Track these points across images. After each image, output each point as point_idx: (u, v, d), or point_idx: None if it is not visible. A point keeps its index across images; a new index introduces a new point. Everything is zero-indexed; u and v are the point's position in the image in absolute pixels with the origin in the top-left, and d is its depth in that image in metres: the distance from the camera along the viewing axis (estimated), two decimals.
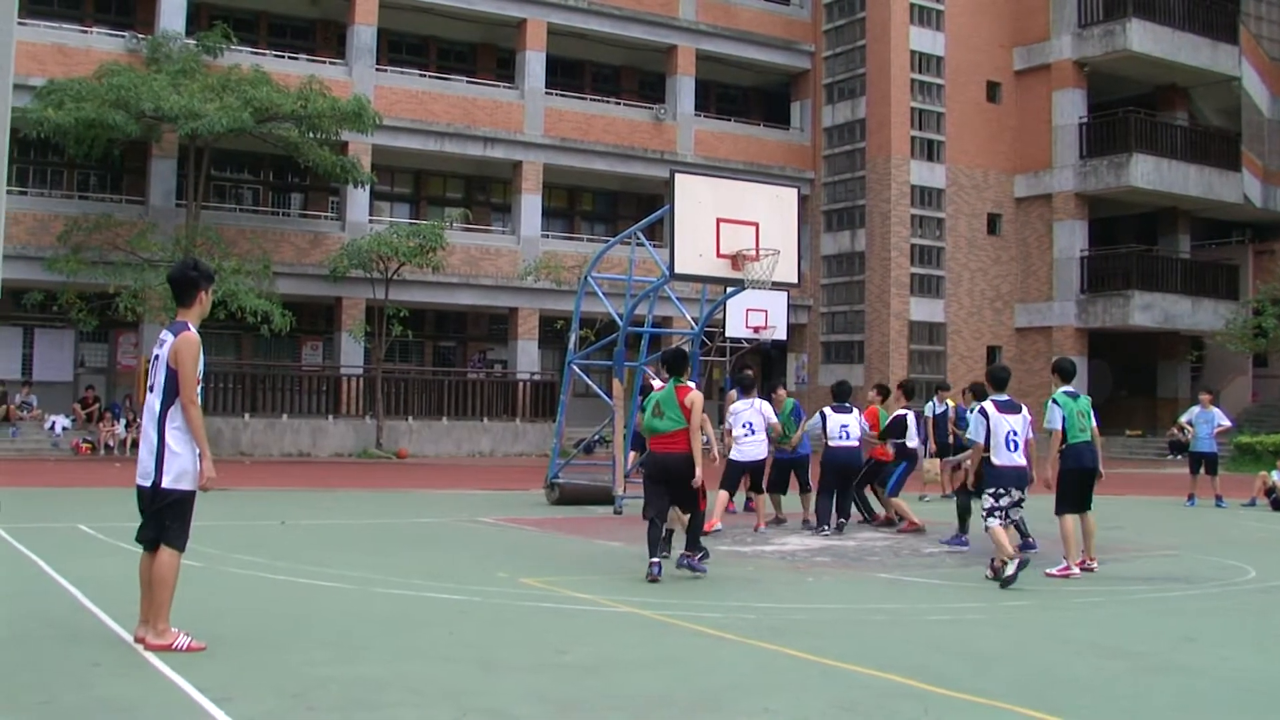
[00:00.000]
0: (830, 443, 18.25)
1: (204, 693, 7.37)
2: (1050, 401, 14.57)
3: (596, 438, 28.58)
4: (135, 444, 33.72)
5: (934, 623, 10.94)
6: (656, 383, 15.71)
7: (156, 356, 8.78)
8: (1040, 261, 47.11)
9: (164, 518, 8.67)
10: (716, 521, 18.03)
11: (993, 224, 47.35)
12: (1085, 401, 14.86)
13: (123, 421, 34.41)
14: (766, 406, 18.36)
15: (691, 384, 13.32)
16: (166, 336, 8.78)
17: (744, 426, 17.80)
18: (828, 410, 18.62)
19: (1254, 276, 48.68)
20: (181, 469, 8.64)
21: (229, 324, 35.54)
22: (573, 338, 24.07)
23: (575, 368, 23.73)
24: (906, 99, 45.09)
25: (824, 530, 18.04)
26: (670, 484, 12.96)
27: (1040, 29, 47.04)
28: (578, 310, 24.18)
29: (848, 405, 18.70)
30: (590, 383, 25.05)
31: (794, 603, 11.89)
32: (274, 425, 36.32)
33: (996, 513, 13.63)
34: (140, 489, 8.74)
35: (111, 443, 34.02)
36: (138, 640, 8.71)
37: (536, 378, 41.89)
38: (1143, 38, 45.08)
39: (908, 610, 11.59)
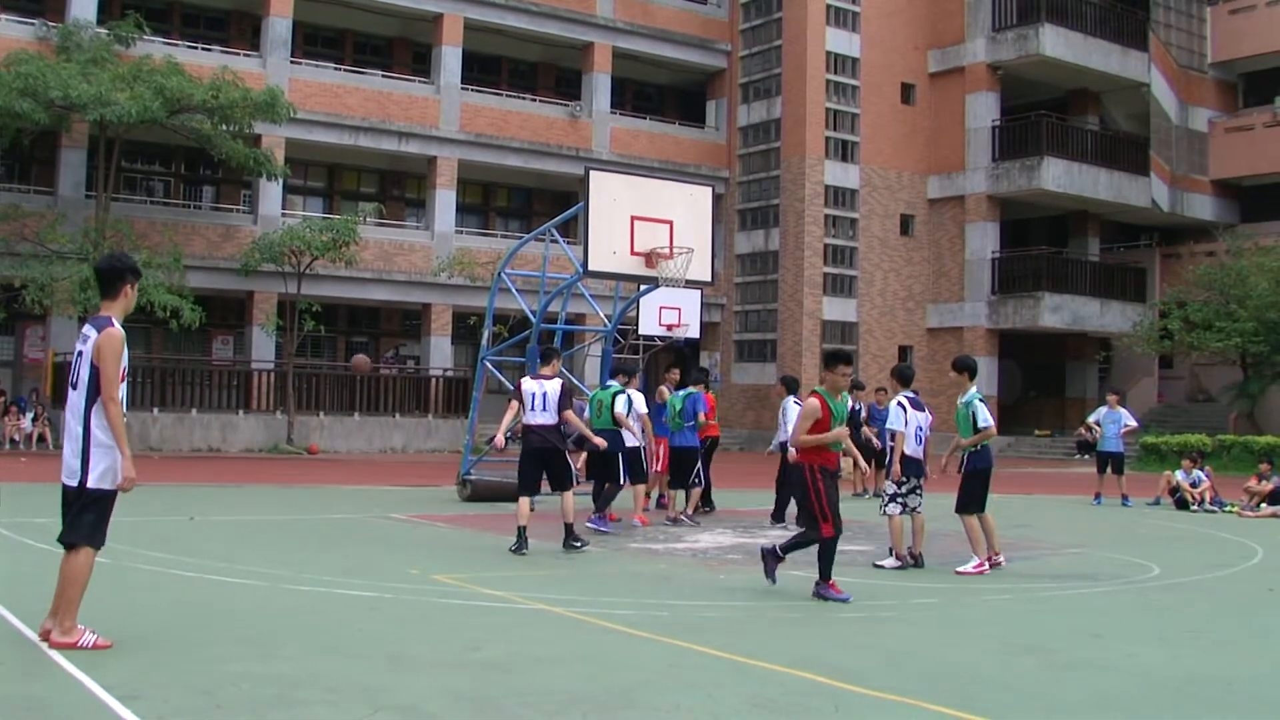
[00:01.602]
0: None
1: (110, 691, 7.29)
2: (978, 400, 14.48)
3: (509, 434, 28.49)
4: (41, 438, 33.38)
5: (846, 620, 11.02)
6: (527, 380, 15.70)
7: (80, 353, 8.59)
8: (952, 262, 47.52)
9: (86, 515, 8.50)
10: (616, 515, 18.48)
11: (906, 225, 47.69)
12: None
13: (29, 416, 33.93)
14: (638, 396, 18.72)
15: (819, 390, 12.48)
16: (90, 332, 8.60)
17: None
18: (789, 402, 18.87)
19: (1161, 280, 49.41)
20: (106, 467, 8.49)
21: (138, 317, 35.06)
22: (486, 334, 24.03)
23: (488, 364, 23.68)
24: (822, 99, 45.31)
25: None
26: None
27: (955, 32, 47.44)
28: (491, 306, 24.14)
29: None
30: (503, 379, 25.00)
31: (706, 600, 11.92)
32: (183, 420, 35.92)
33: (899, 500, 14.36)
34: (66, 488, 8.56)
35: (17, 437, 33.54)
36: (43, 637, 8.59)
37: (449, 374, 41.72)
38: (1055, 42, 45.60)
39: (820, 607, 11.65)
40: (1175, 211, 49.65)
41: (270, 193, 39.45)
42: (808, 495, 12.06)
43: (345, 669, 8.26)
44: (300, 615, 10.26)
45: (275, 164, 36.35)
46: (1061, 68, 46.74)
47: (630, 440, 18.14)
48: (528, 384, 15.65)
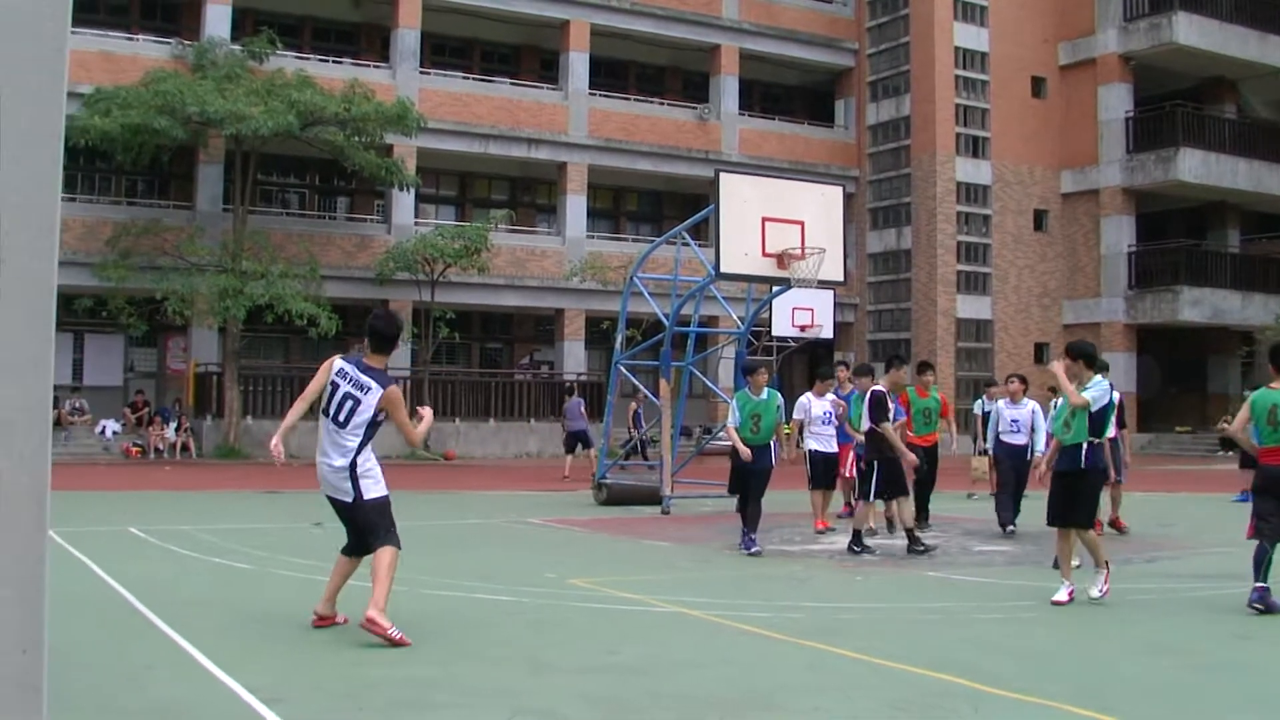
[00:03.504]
0: (1002, 437, 18.18)
1: (254, 694, 7.41)
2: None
3: (644, 437, 28.57)
4: (185, 448, 34.02)
5: (985, 621, 10.88)
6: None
7: (351, 396, 9.49)
8: (1087, 257, 46.85)
9: (378, 525, 9.62)
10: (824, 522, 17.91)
11: (1039, 220, 47.12)
12: None
13: (172, 425, 34.62)
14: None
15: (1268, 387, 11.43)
16: (368, 382, 9.50)
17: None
18: (1002, 404, 18.49)
19: None
20: (375, 481, 9.59)
21: (276, 327, 35.73)
22: (619, 338, 24.08)
23: (622, 368, 23.74)
24: (951, 95, 44.94)
25: (1010, 530, 17.42)
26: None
27: (1085, 23, 46.77)
28: (624, 311, 24.19)
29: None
30: (637, 383, 25.06)
31: (843, 601, 11.85)
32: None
33: None
34: (338, 502, 9.64)
35: (161, 446, 34.24)
36: (316, 624, 9.78)
37: (583, 378, 41.89)
38: (1189, 30, 44.75)
39: (958, 609, 11.53)
40: None
41: (403, 202, 39.88)
42: None
43: (483, 672, 8.32)
44: (438, 619, 10.35)
45: (407, 174, 36.77)
46: (1196, 56, 45.82)
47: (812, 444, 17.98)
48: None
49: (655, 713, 7.34)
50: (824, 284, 20.40)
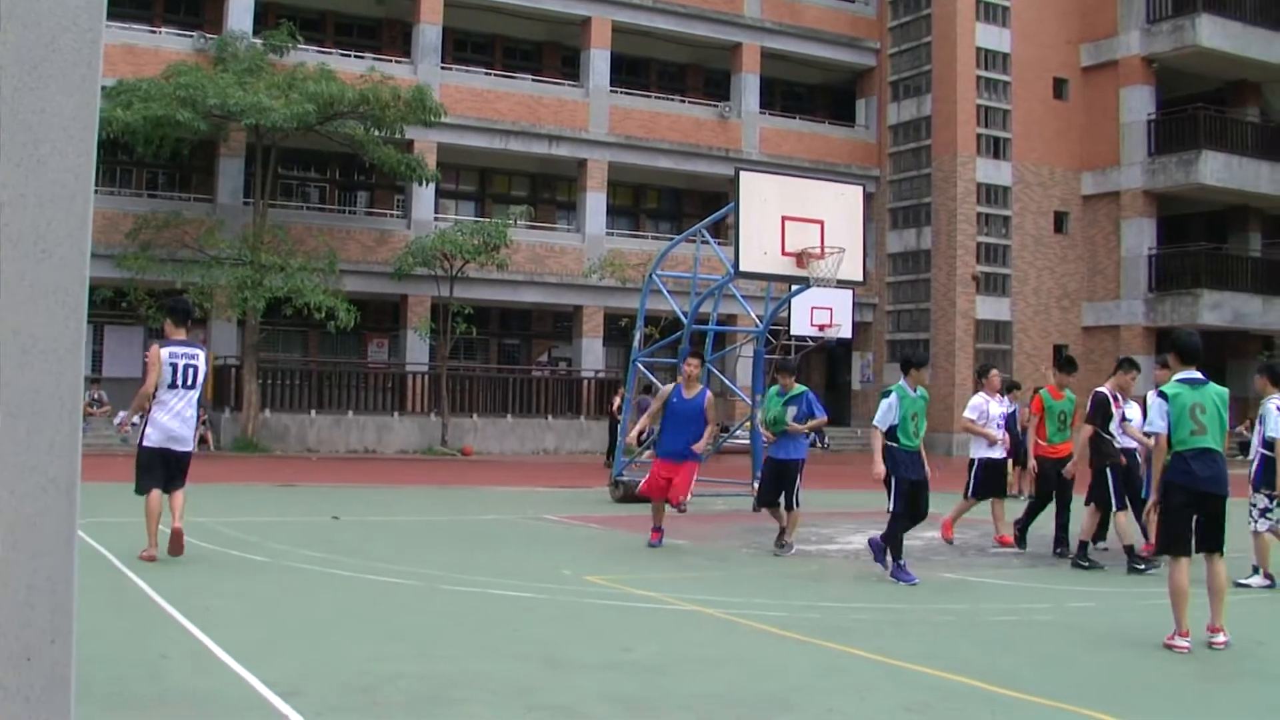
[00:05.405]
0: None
1: (271, 687, 7.42)
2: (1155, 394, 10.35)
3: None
4: (203, 441, 34.07)
5: (1001, 623, 10.87)
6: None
7: (191, 366, 12.68)
8: (1108, 260, 46.70)
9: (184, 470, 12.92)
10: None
11: (1060, 222, 46.99)
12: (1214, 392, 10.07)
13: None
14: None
15: None
16: (195, 351, 12.92)
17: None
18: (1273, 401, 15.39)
19: None
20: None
21: (295, 320, 35.81)
22: (637, 335, 24.08)
23: (640, 365, 23.75)
24: (973, 96, 44.84)
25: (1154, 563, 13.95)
26: None
27: (1108, 25, 46.62)
28: (642, 308, 24.18)
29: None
30: (655, 380, 25.05)
31: (859, 602, 11.84)
32: (340, 422, 36.51)
33: (1269, 514, 12.94)
34: (181, 454, 12.84)
35: None
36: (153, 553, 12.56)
37: (601, 375, 41.92)
38: (1213, 33, 44.51)
39: (974, 610, 11.52)
40: None
41: (423, 197, 39.92)
42: None
43: (501, 668, 8.33)
44: (456, 615, 10.37)
45: (427, 168, 36.78)
46: (1219, 58, 45.55)
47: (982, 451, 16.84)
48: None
49: (673, 711, 7.35)
50: (843, 284, 20.37)
